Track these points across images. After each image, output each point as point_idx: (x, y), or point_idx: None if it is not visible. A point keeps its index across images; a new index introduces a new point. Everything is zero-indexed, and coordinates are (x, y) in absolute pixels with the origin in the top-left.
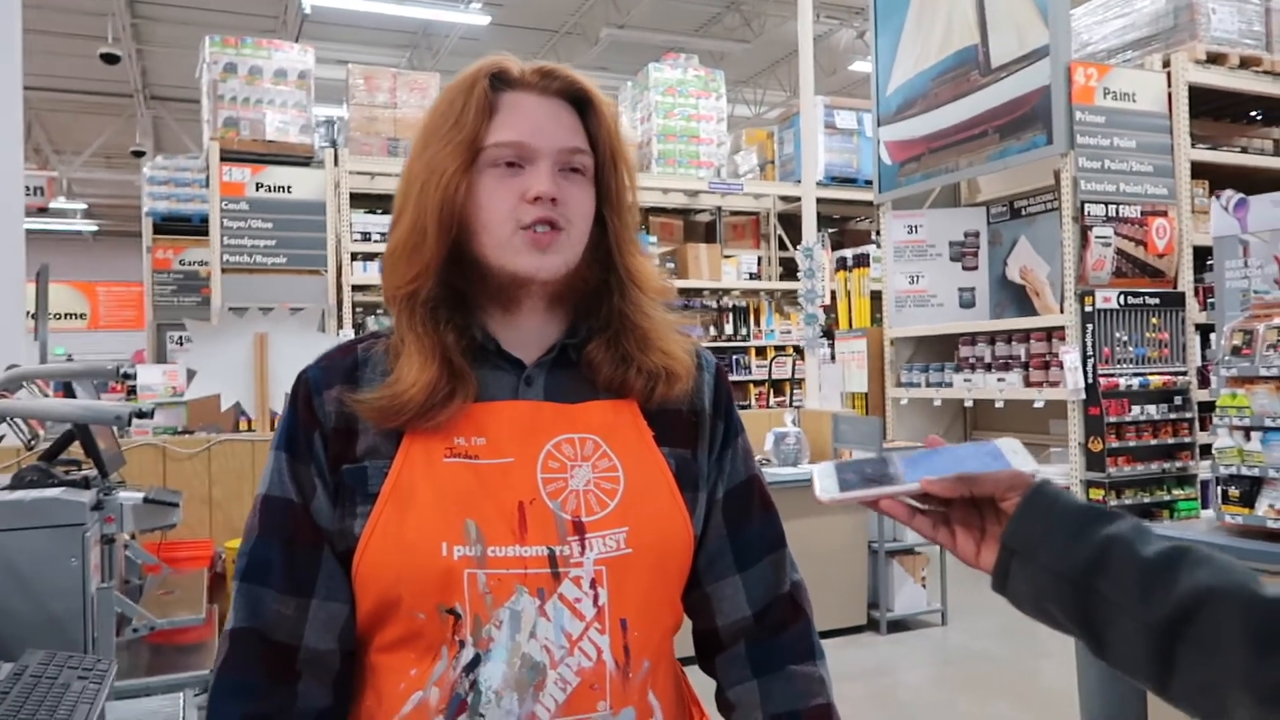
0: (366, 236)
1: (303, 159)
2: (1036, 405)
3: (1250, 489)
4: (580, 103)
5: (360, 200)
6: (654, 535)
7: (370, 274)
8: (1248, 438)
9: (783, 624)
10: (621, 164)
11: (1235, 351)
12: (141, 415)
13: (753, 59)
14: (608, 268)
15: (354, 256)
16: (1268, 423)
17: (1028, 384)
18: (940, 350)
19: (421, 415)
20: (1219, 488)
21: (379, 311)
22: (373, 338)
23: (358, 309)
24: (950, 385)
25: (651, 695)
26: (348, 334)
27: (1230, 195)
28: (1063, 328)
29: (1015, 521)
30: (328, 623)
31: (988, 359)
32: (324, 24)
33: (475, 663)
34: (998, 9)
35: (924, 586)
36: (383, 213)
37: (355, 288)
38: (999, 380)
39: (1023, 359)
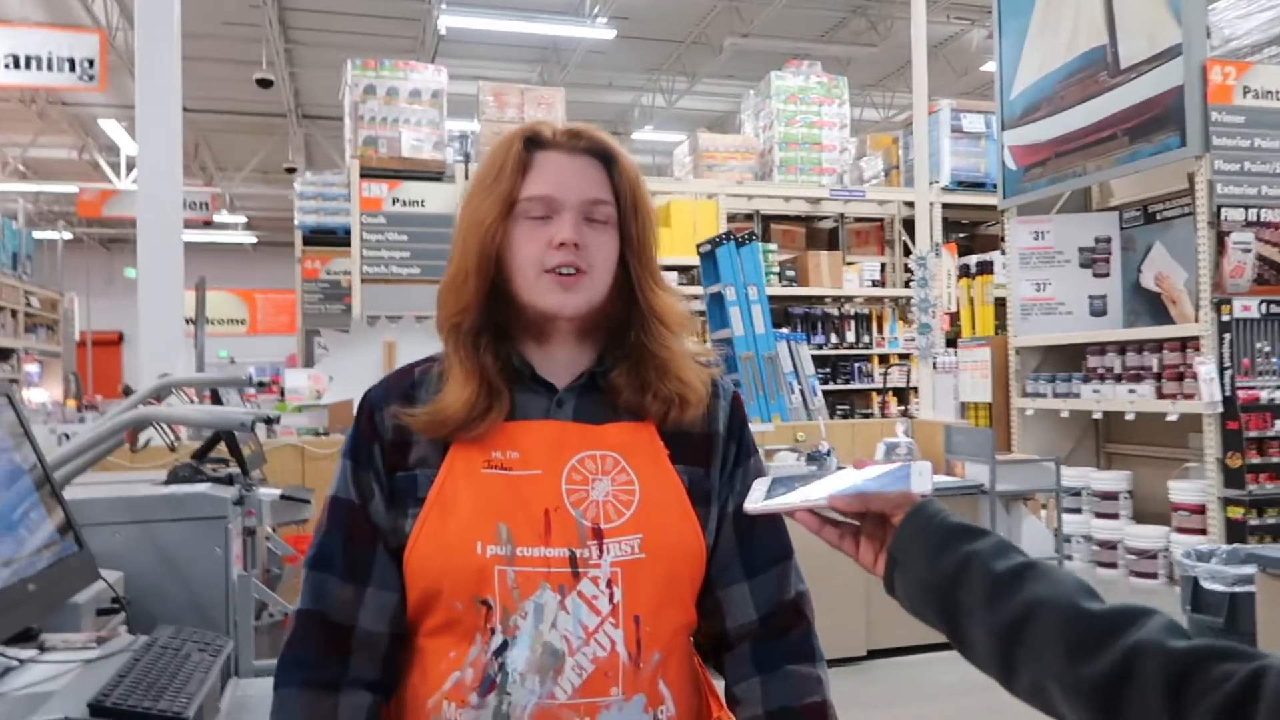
0: None
1: (435, 174)
2: (1170, 418)
3: None
4: (606, 159)
5: None
6: (666, 542)
7: None
8: None
9: (786, 628)
10: (642, 213)
11: None
12: (267, 421)
13: (881, 62)
14: (631, 304)
15: None
16: None
17: (1160, 396)
18: (1068, 360)
19: (463, 427)
20: None
21: None
22: (429, 361)
23: None
24: (1078, 396)
25: (662, 685)
26: None
27: None
28: (1198, 338)
29: (897, 535)
30: (380, 609)
31: (1118, 369)
32: (459, 42)
33: (503, 648)
34: (1127, 9)
35: None
36: None
37: None
38: (1130, 392)
39: (1155, 370)
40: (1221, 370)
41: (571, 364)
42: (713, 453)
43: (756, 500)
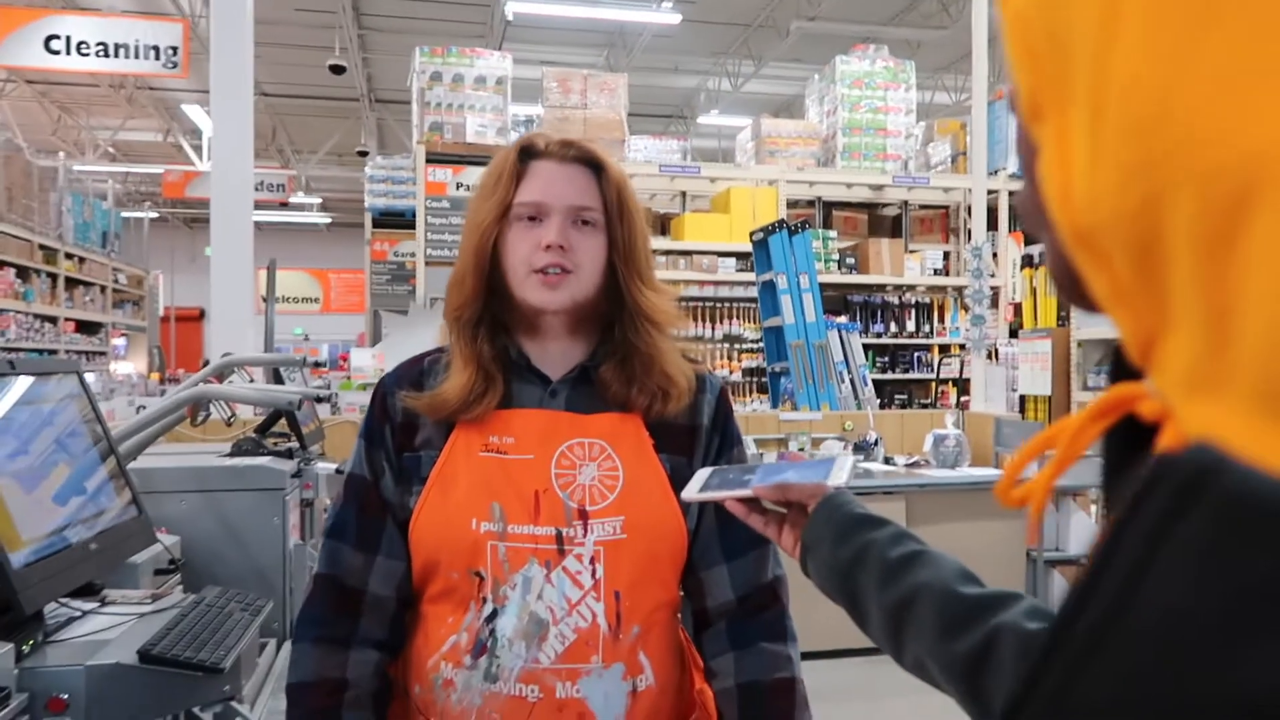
0: None
1: None
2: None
3: None
4: (594, 167)
5: None
6: (646, 524)
7: None
8: None
9: (761, 608)
10: (628, 218)
11: None
12: (318, 400)
13: (952, 45)
14: (619, 302)
15: None
16: None
17: None
18: None
19: (461, 410)
20: None
21: None
22: (438, 351)
23: None
24: None
25: (642, 655)
26: None
27: None
28: None
29: (809, 523)
30: (387, 575)
31: None
32: (526, 28)
33: (494, 615)
34: None
35: None
36: None
37: None
38: None
39: None
40: None
41: (564, 357)
42: (695, 443)
43: (693, 490)
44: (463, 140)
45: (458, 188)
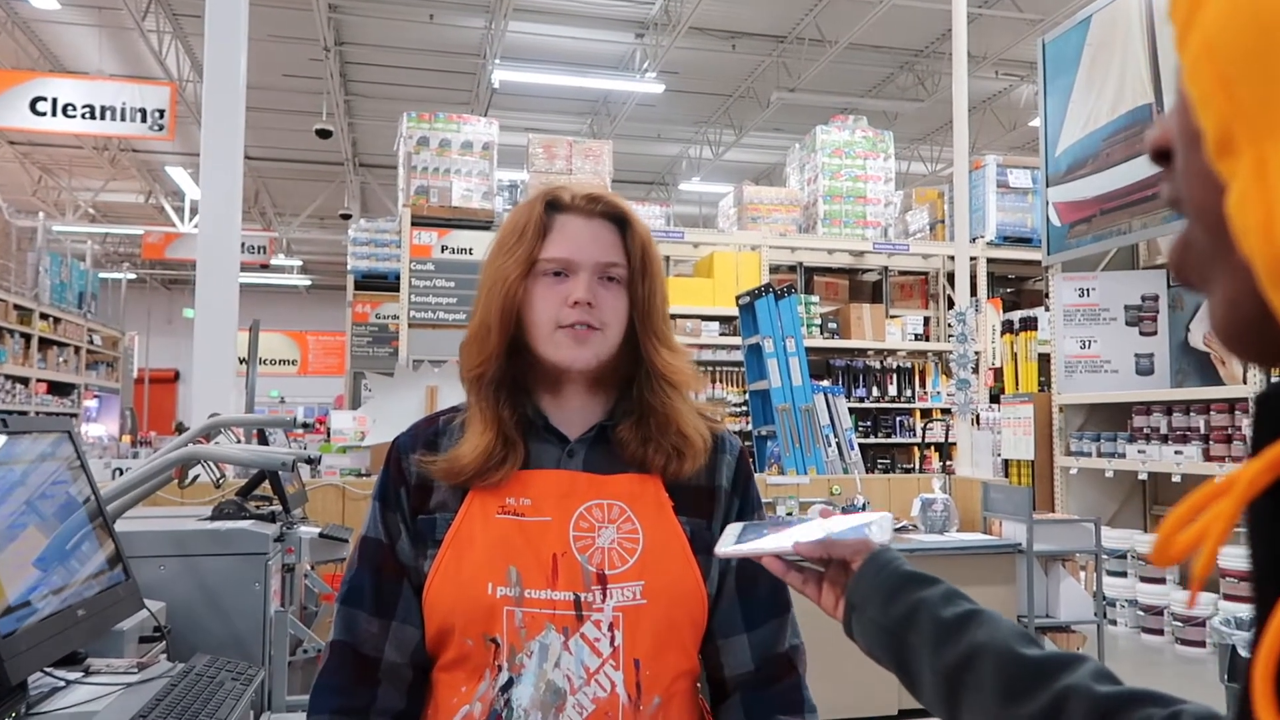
0: None
1: (484, 223)
2: (1218, 481)
3: None
4: (621, 223)
5: None
6: (667, 589)
7: None
8: None
9: (776, 678)
10: (650, 276)
11: None
12: (309, 461)
13: (928, 117)
14: (637, 361)
15: None
16: None
17: (1208, 458)
18: (1113, 419)
19: (478, 475)
20: None
21: None
22: (453, 411)
23: None
24: (1123, 456)
25: None
26: None
27: None
28: (1247, 399)
29: (854, 581)
30: (402, 641)
31: (1164, 430)
32: (511, 95)
33: (509, 684)
34: (1173, 68)
35: None
36: None
37: None
38: (1176, 453)
39: (1203, 431)
40: None
41: (583, 416)
42: (715, 505)
43: (727, 544)
44: (448, 204)
45: (443, 250)
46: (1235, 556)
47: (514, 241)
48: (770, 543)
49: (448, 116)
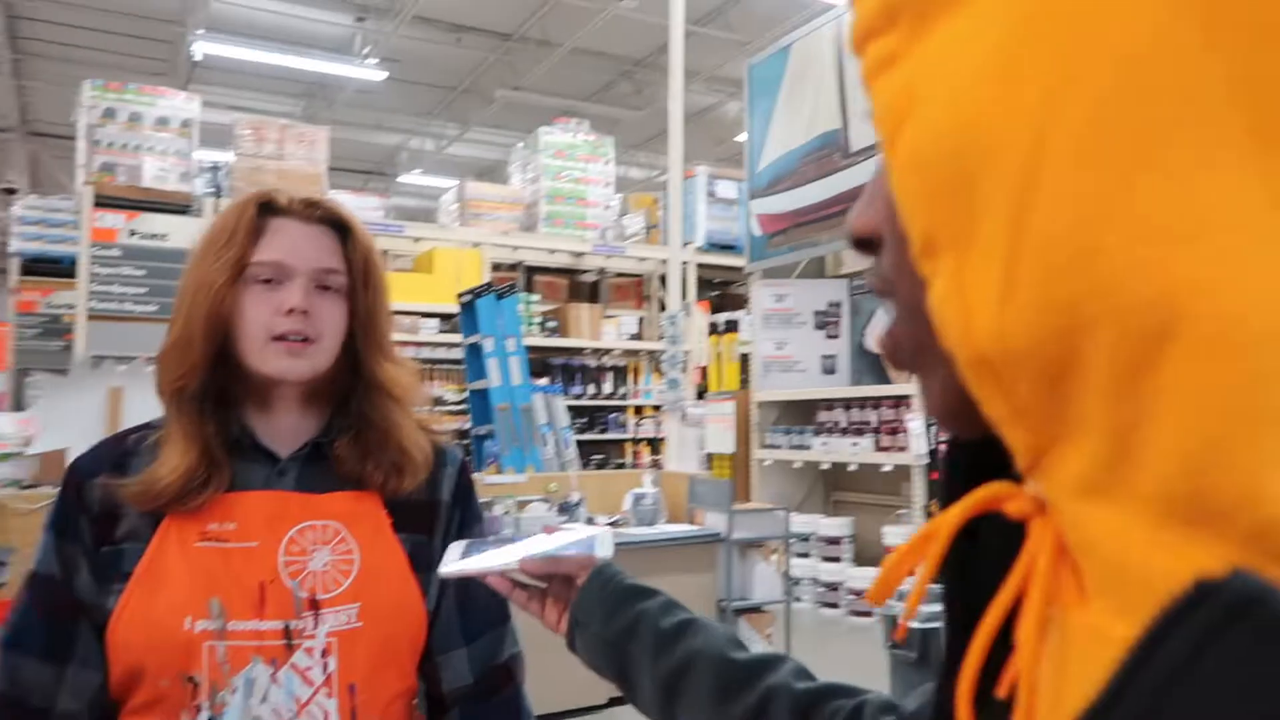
0: None
1: (181, 207)
2: (886, 469)
3: None
4: (341, 229)
5: None
6: (384, 610)
7: None
8: None
9: (495, 690)
10: (372, 285)
11: None
12: None
13: (646, 125)
14: (356, 374)
15: None
16: None
17: (878, 449)
18: (803, 414)
19: (178, 499)
20: None
21: None
22: (145, 429)
23: None
24: (809, 448)
25: None
26: None
27: None
28: (909, 396)
29: (580, 595)
30: (80, 687)
31: (844, 424)
32: (216, 70)
33: None
34: (858, 97)
35: (770, 643)
36: None
37: None
38: (853, 445)
39: (874, 425)
40: (928, 425)
41: (295, 432)
42: (436, 519)
43: (451, 563)
44: (139, 184)
45: (131, 235)
46: (897, 535)
47: (222, 244)
48: (495, 560)
49: (140, 88)
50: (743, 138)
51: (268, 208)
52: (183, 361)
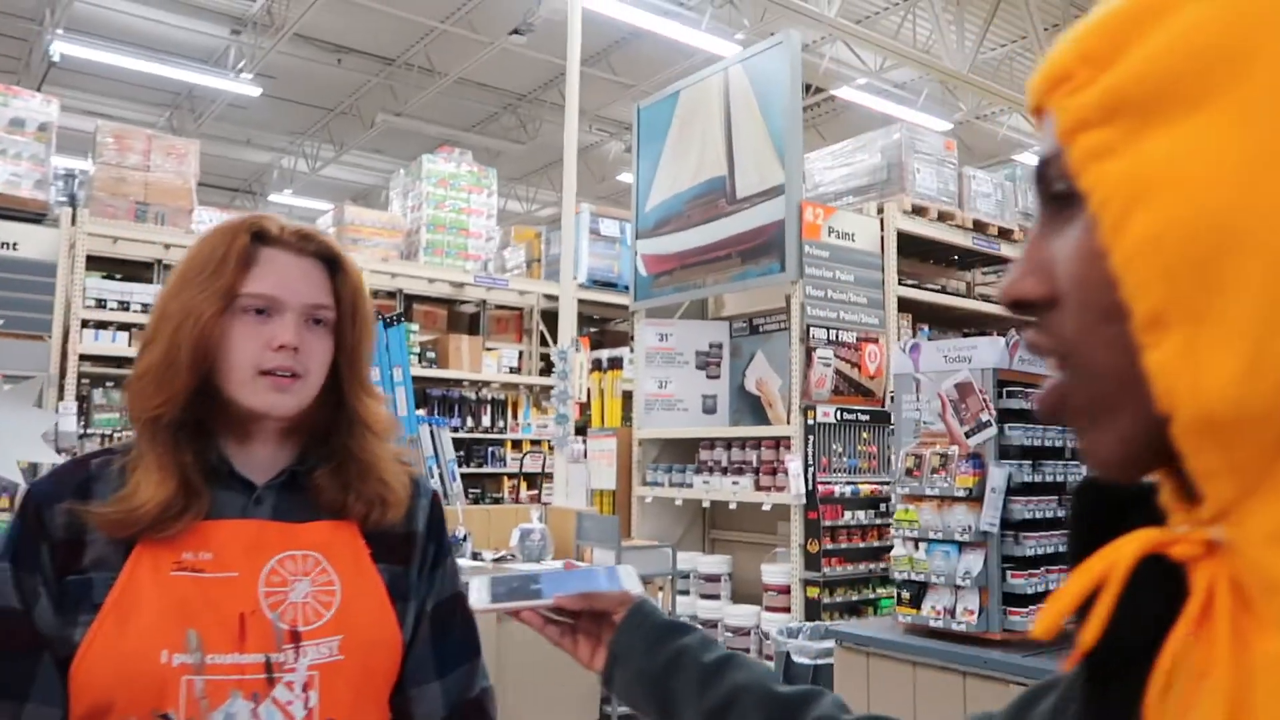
0: (102, 303)
1: (35, 215)
2: (765, 508)
3: (918, 592)
4: (332, 264)
5: (99, 264)
6: (364, 642)
7: (103, 343)
8: (917, 547)
9: None
10: (360, 321)
11: (908, 473)
12: None
13: (528, 159)
14: (338, 407)
15: (85, 324)
16: (931, 535)
17: (758, 488)
18: (684, 452)
19: (154, 527)
20: (895, 590)
21: (109, 384)
22: (107, 454)
23: (84, 380)
24: (690, 486)
25: None
26: (70, 407)
27: (907, 339)
28: (789, 437)
29: (618, 633)
30: None
31: (724, 463)
32: (74, 72)
33: None
34: (743, 147)
35: None
36: (123, 278)
37: (84, 357)
38: (733, 483)
39: (754, 464)
40: (806, 467)
41: (272, 461)
42: (412, 551)
43: (483, 601)
44: None
45: None
46: (775, 573)
47: (210, 271)
48: (531, 597)
49: None
50: (625, 177)
51: (259, 237)
52: (161, 390)
